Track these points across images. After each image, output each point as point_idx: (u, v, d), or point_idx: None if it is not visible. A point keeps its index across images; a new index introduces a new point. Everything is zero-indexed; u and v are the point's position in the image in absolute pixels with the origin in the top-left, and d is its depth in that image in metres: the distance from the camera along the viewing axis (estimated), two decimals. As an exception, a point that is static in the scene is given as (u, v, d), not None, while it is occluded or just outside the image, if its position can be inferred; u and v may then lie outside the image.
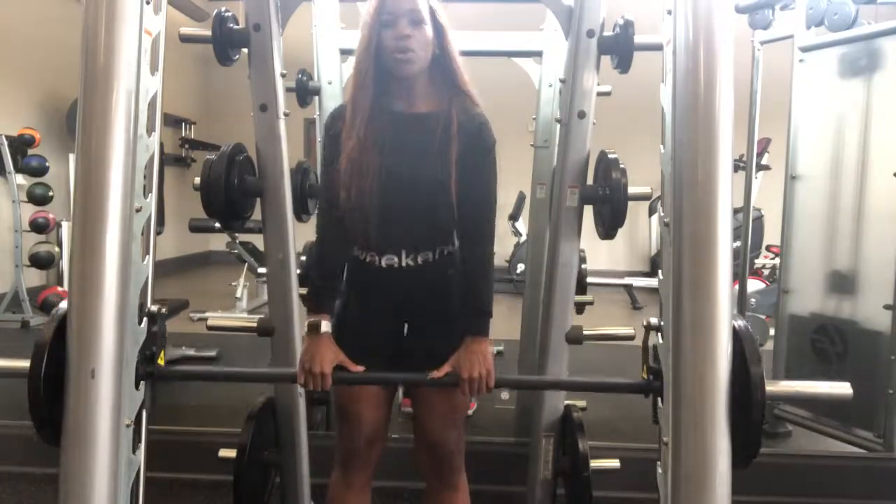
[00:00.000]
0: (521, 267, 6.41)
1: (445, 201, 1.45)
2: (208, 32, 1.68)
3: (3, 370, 1.25)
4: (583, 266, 2.04)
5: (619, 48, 1.74)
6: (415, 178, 1.46)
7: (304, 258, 2.31)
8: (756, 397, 1.16)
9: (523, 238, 6.69)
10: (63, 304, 1.21)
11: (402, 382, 1.59)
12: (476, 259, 1.49)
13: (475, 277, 1.49)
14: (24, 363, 1.19)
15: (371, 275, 1.53)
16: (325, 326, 1.48)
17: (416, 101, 1.50)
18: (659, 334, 1.36)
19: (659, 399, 1.34)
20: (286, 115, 1.74)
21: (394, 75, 1.46)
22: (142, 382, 1.32)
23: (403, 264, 1.51)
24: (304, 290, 1.78)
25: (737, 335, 1.20)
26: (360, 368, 1.48)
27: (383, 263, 1.52)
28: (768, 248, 6.02)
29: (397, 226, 1.50)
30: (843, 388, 1.29)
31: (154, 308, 1.36)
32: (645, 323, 1.39)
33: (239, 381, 1.55)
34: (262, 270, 3.52)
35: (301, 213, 2.43)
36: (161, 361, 1.38)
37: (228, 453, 1.74)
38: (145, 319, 1.32)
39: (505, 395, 2.96)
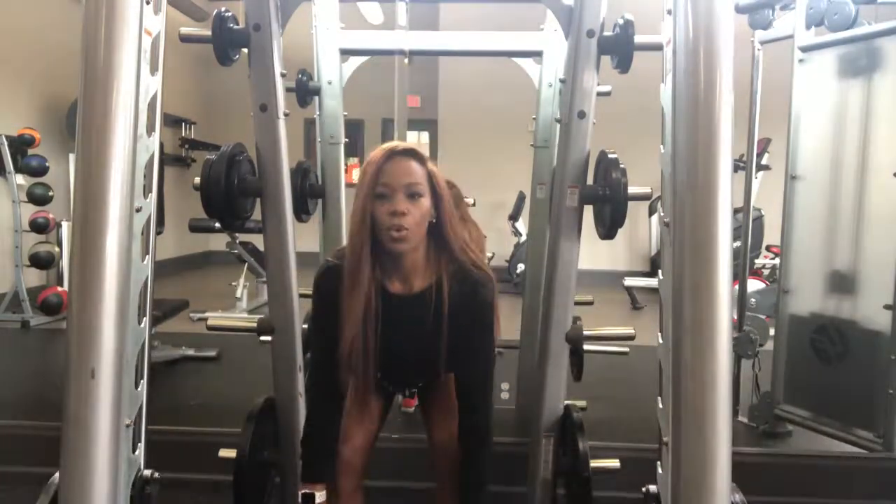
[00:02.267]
0: (521, 267, 6.41)
1: (437, 374, 1.57)
2: (208, 32, 1.68)
3: None
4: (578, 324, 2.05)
5: (619, 48, 1.73)
6: (412, 357, 1.54)
7: (304, 326, 2.33)
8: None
9: (523, 238, 6.69)
10: (55, 478, 1.21)
11: None
12: (475, 438, 1.56)
13: (473, 457, 1.54)
14: None
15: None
16: (320, 498, 1.50)
17: (410, 278, 1.49)
18: (659, 333, 1.36)
19: (659, 399, 1.34)
20: (286, 115, 1.74)
21: (386, 248, 1.44)
22: (142, 382, 1.32)
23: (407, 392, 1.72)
24: (304, 290, 1.78)
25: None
26: None
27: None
28: (768, 248, 6.02)
29: (397, 386, 1.68)
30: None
31: (147, 473, 1.38)
32: (644, 490, 1.39)
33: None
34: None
35: (301, 213, 2.43)
36: None
37: (228, 453, 1.74)
38: (145, 319, 1.32)
39: (505, 394, 2.96)
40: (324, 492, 1.49)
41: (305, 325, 2.03)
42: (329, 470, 1.55)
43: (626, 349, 1.64)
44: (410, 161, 1.42)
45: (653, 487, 1.37)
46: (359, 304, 1.43)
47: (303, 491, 1.49)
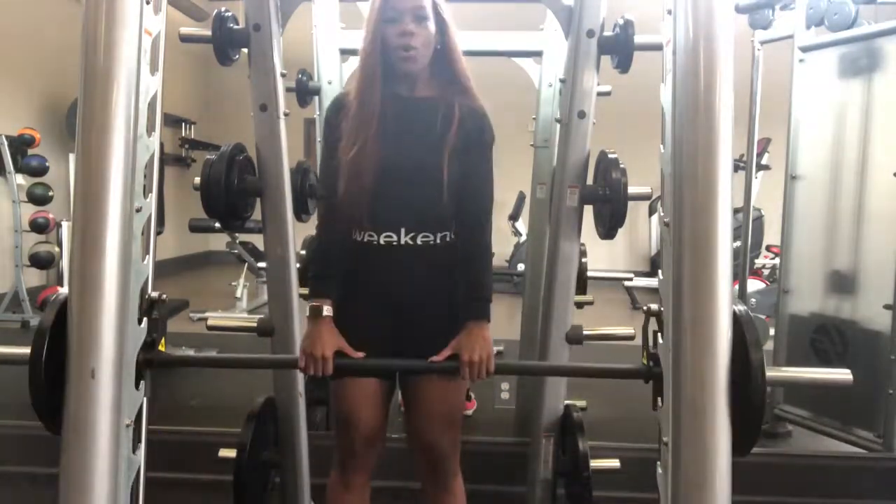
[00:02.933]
0: (521, 267, 6.41)
1: (437, 184, 1.47)
2: (208, 32, 1.68)
3: (4, 357, 1.24)
4: (583, 260, 2.04)
5: (619, 48, 1.73)
6: (413, 160, 1.49)
7: (303, 252, 2.31)
8: (756, 382, 1.15)
9: (523, 238, 6.69)
10: (63, 290, 1.21)
11: (403, 369, 1.59)
12: (474, 246, 1.52)
13: (474, 263, 1.51)
14: (25, 350, 1.19)
15: (370, 255, 1.54)
16: (327, 311, 1.49)
17: (418, 89, 1.53)
18: (659, 333, 1.36)
19: (658, 396, 1.34)
20: (286, 115, 1.74)
21: (397, 70, 1.49)
22: (142, 382, 1.31)
23: (402, 242, 1.51)
24: (304, 290, 1.78)
25: (737, 320, 1.20)
26: (361, 354, 1.49)
27: (382, 241, 1.52)
28: (768, 248, 6.02)
29: (396, 204, 1.51)
30: (842, 375, 1.28)
31: (154, 295, 1.36)
32: (645, 308, 1.39)
33: (238, 367, 1.57)
34: (262, 265, 3.51)
35: (301, 213, 2.42)
36: (161, 348, 1.37)
37: (228, 453, 1.74)
38: (145, 319, 1.32)
39: (505, 394, 2.96)
40: (330, 306, 1.49)
41: (306, 324, 2.03)
42: (334, 286, 1.54)
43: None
44: None
45: (654, 306, 1.37)
46: (368, 108, 1.47)
47: (311, 304, 1.50)
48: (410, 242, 1.51)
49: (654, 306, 1.38)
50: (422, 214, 1.52)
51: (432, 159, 1.47)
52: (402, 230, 1.51)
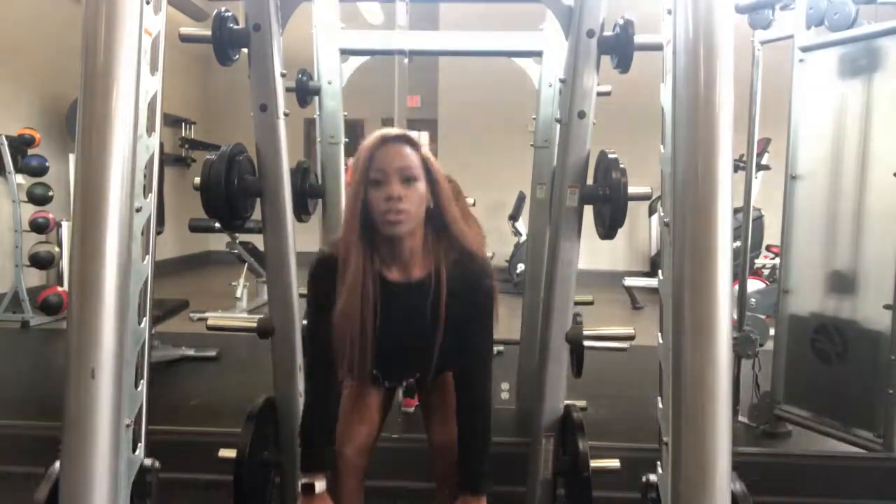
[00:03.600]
0: (521, 267, 6.41)
1: (430, 364, 1.54)
2: (208, 32, 1.68)
3: None
4: (578, 320, 2.04)
5: (619, 48, 1.73)
6: (409, 347, 1.52)
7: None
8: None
9: (523, 238, 6.69)
10: (55, 466, 1.20)
11: None
12: (473, 426, 1.53)
13: (472, 443, 1.53)
14: None
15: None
16: (319, 488, 1.48)
17: (409, 266, 1.47)
18: (659, 333, 1.36)
19: (659, 399, 1.34)
20: (286, 115, 1.74)
21: (384, 236, 1.42)
22: (142, 382, 1.32)
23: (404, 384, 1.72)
24: (304, 290, 1.78)
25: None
26: None
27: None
28: (768, 248, 6.01)
29: (396, 372, 1.63)
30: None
31: (148, 462, 1.37)
32: (644, 479, 1.39)
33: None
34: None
35: (301, 213, 2.43)
36: None
37: (228, 453, 1.74)
38: (145, 319, 1.32)
39: (505, 394, 2.96)
40: (323, 482, 1.48)
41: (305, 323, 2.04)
42: (328, 459, 1.53)
43: (627, 345, 1.64)
44: (403, 146, 1.41)
45: (652, 477, 1.37)
46: (355, 291, 1.41)
47: (303, 481, 1.47)
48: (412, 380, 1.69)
49: (652, 477, 1.37)
50: (419, 376, 1.64)
51: (427, 349, 1.49)
52: (403, 384, 1.71)
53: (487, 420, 1.52)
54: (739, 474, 1.21)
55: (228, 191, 1.67)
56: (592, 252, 2.20)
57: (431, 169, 1.42)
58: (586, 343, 1.92)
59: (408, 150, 1.40)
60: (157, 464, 1.38)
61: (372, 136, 1.42)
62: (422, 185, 1.40)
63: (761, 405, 2.93)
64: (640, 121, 4.34)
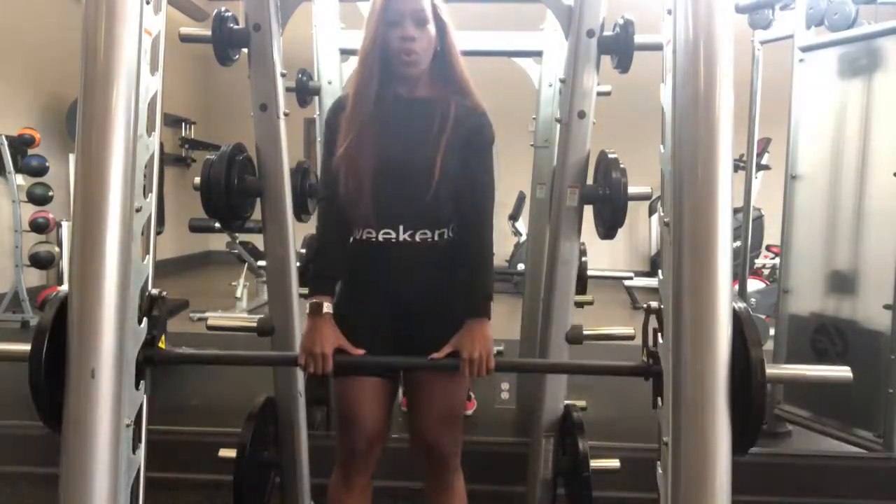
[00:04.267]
0: (521, 267, 6.41)
1: (429, 184, 1.47)
2: (208, 32, 1.68)
3: (4, 354, 1.25)
4: (583, 259, 2.04)
5: (619, 48, 1.74)
6: (409, 159, 1.49)
7: (303, 250, 2.31)
8: (757, 381, 1.16)
9: (523, 238, 6.69)
10: (63, 288, 1.21)
11: (403, 366, 1.59)
12: (475, 244, 1.52)
13: (475, 261, 1.51)
14: (25, 347, 1.19)
15: (369, 253, 1.54)
16: (327, 308, 1.49)
17: (417, 90, 1.53)
18: (659, 333, 1.36)
19: (658, 396, 1.34)
20: (286, 115, 1.75)
21: (397, 73, 1.49)
22: (142, 382, 1.32)
23: (401, 239, 1.51)
24: (304, 290, 1.78)
25: (737, 318, 1.20)
26: (361, 352, 1.49)
27: (380, 238, 1.52)
28: (768, 248, 6.02)
29: (393, 202, 1.51)
30: (842, 372, 1.28)
31: (155, 292, 1.36)
32: (645, 305, 1.40)
33: (238, 364, 1.56)
34: (262, 263, 3.51)
35: (301, 213, 2.42)
36: (161, 345, 1.38)
37: (228, 453, 1.74)
38: (145, 319, 1.32)
39: (505, 394, 2.96)
40: (330, 303, 1.50)
41: (306, 325, 2.04)
42: (334, 284, 1.55)
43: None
44: None
45: (654, 303, 1.38)
46: (364, 104, 1.48)
47: (312, 301, 1.50)
48: (409, 239, 1.51)
49: (654, 304, 1.38)
50: (418, 211, 1.51)
51: (426, 157, 1.47)
52: (401, 227, 1.51)
53: (488, 239, 1.53)
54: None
55: (228, 191, 1.67)
56: (592, 252, 2.20)
57: (439, 12, 1.49)
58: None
59: None
60: (164, 293, 1.39)
61: None
62: (432, 28, 1.47)
63: (761, 405, 2.93)
64: (640, 121, 4.34)
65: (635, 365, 1.40)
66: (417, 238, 1.52)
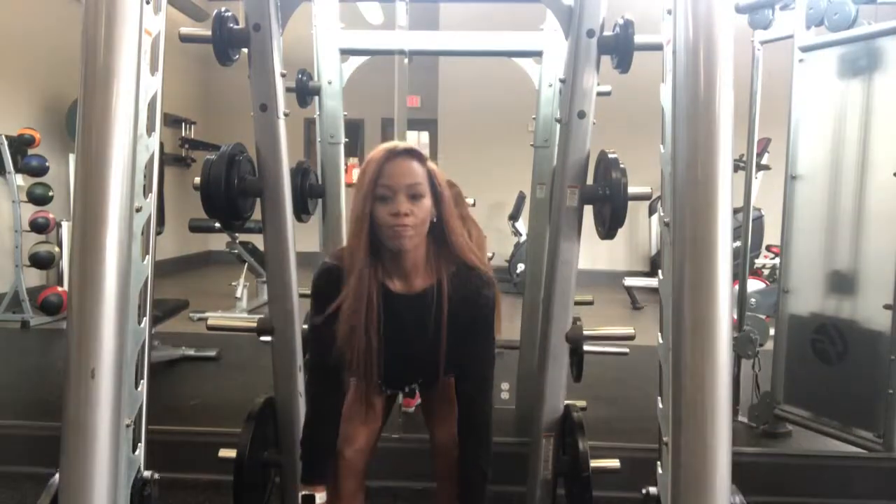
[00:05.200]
0: (521, 267, 6.41)
1: (437, 371, 1.53)
2: (208, 32, 1.68)
3: None
4: None
5: (619, 48, 1.73)
6: (412, 357, 1.53)
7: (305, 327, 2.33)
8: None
9: (523, 238, 6.69)
10: (55, 479, 1.22)
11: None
12: (476, 417, 1.55)
13: (472, 443, 1.55)
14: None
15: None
16: (320, 499, 1.49)
17: (411, 277, 1.48)
18: (659, 333, 1.36)
19: (659, 399, 1.34)
20: (286, 115, 1.74)
21: (389, 248, 1.44)
22: (142, 382, 1.32)
23: (406, 390, 1.68)
24: (304, 290, 1.78)
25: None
26: None
27: (388, 392, 1.68)
28: (768, 248, 6.01)
29: (399, 380, 1.64)
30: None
31: (147, 474, 1.40)
32: (644, 492, 1.40)
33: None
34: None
35: (301, 213, 2.43)
36: None
37: (228, 453, 1.74)
38: (145, 319, 1.32)
39: (505, 394, 2.96)
40: (324, 493, 1.49)
41: (305, 326, 2.04)
42: (328, 471, 1.55)
43: (626, 350, 1.64)
44: (411, 161, 1.41)
45: (653, 489, 1.37)
46: (360, 302, 1.42)
47: (303, 493, 1.48)
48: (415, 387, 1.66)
49: (652, 490, 1.37)
50: (425, 379, 1.64)
51: (432, 356, 1.49)
52: (406, 388, 1.67)
53: (488, 426, 1.54)
54: (740, 474, 1.21)
55: (228, 191, 1.67)
56: (592, 252, 2.20)
57: (437, 183, 1.43)
58: (587, 347, 1.93)
59: (415, 165, 1.41)
60: (156, 475, 1.39)
61: (380, 149, 1.42)
62: (427, 201, 1.41)
63: (761, 405, 2.93)
64: (640, 121, 4.34)
65: None
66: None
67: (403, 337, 1.48)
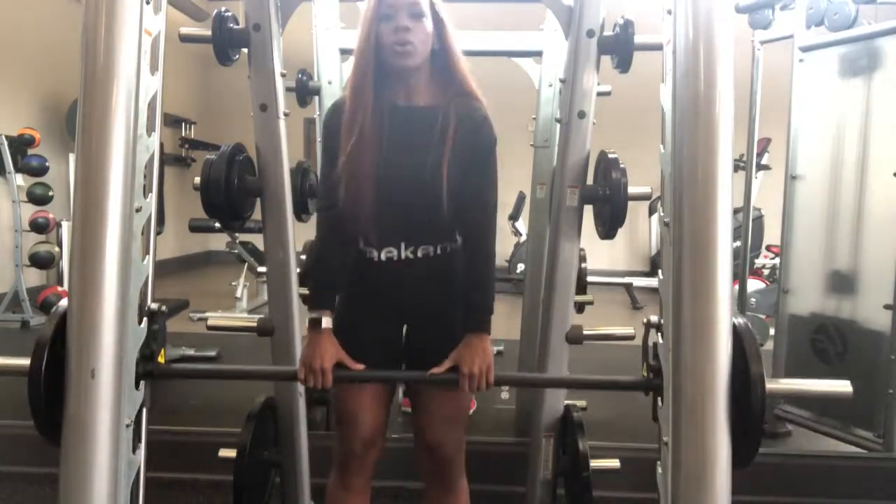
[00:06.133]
0: (521, 267, 6.41)
1: (437, 196, 1.44)
2: (208, 32, 1.68)
3: (4, 368, 1.25)
4: (583, 265, 2.04)
5: (619, 48, 1.73)
6: (411, 173, 1.46)
7: (303, 257, 2.31)
8: (756, 395, 1.16)
9: (523, 238, 6.69)
10: (63, 302, 1.21)
11: (403, 380, 1.59)
12: (477, 257, 1.49)
13: (477, 275, 1.49)
14: (24, 361, 1.19)
15: (371, 269, 1.53)
16: (326, 322, 1.48)
17: (415, 96, 1.50)
18: (659, 333, 1.36)
19: (659, 398, 1.34)
20: (286, 115, 1.74)
21: (393, 69, 1.45)
22: (142, 382, 1.32)
23: (402, 256, 1.51)
24: (304, 290, 1.78)
25: (737, 333, 1.20)
26: (361, 366, 1.48)
27: (382, 256, 1.51)
28: (768, 248, 6.02)
29: (395, 219, 1.49)
30: (842, 387, 1.29)
31: (154, 306, 1.36)
32: (645, 321, 1.39)
33: (238, 378, 1.56)
34: (261, 269, 3.51)
35: (301, 213, 2.43)
36: (161, 360, 1.38)
37: (228, 453, 1.74)
38: (145, 319, 1.32)
39: (505, 394, 2.96)
40: (329, 318, 1.48)
41: (306, 326, 2.04)
42: (334, 298, 1.53)
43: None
44: None
45: (654, 317, 1.37)
46: (362, 114, 1.44)
47: (310, 316, 1.48)
48: (411, 256, 1.51)
49: (653, 318, 1.37)
50: (422, 227, 1.51)
51: (430, 173, 1.44)
52: (402, 244, 1.51)
53: (491, 250, 1.50)
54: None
55: (228, 191, 1.67)
56: (592, 252, 2.20)
57: (437, 8, 1.47)
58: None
59: None
60: (163, 307, 1.39)
61: None
62: (428, 23, 1.44)
63: (761, 405, 2.93)
64: (640, 121, 4.34)
65: (636, 380, 1.39)
66: (419, 254, 1.51)
67: (407, 152, 1.47)
